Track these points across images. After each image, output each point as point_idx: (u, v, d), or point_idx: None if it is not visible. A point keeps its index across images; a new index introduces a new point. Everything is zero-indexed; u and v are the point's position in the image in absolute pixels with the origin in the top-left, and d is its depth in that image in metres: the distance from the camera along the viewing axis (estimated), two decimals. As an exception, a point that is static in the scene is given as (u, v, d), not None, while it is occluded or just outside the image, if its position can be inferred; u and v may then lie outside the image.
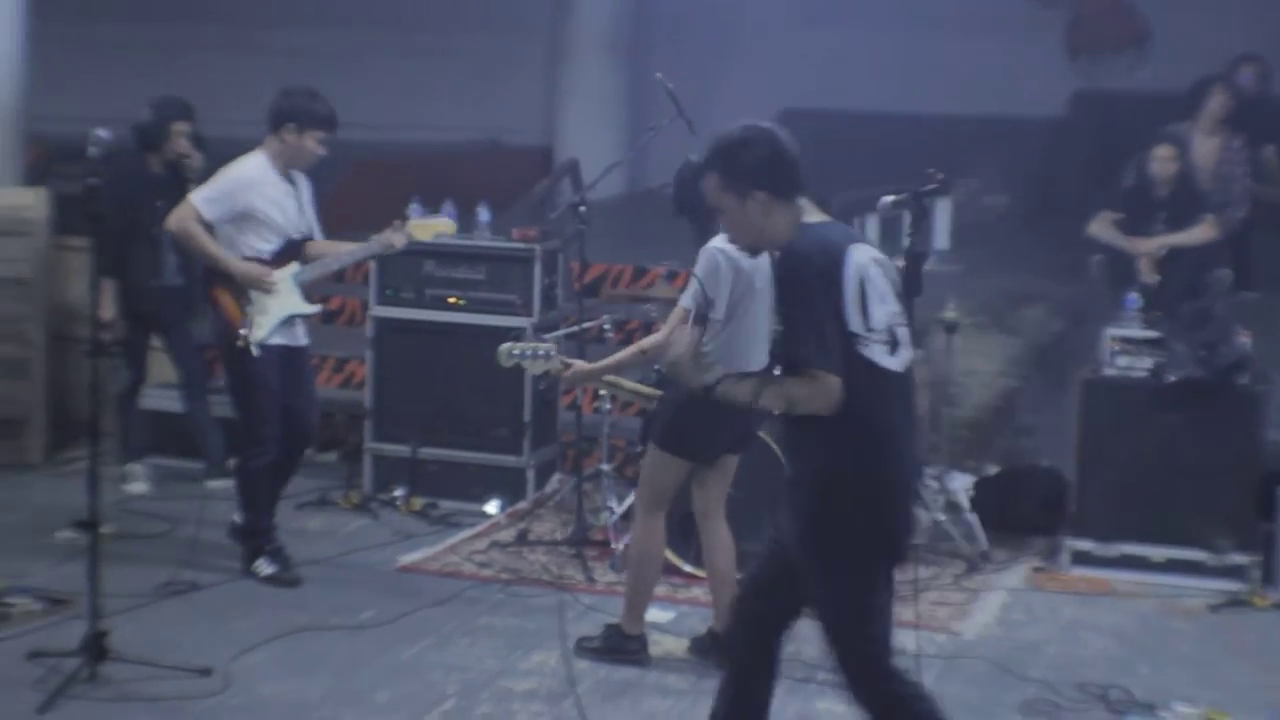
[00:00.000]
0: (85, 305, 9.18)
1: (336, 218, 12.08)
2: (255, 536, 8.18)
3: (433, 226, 8.20)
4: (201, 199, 7.90)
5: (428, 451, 9.71)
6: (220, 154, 8.53)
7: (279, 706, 6.60)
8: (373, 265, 9.73)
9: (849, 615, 4.98)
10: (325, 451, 10.48)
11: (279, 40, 17.00)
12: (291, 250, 8.04)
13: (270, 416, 7.99)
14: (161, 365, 10.03)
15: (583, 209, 8.73)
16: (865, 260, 4.91)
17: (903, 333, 4.97)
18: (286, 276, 8.00)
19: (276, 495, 8.29)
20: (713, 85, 14.87)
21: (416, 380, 9.77)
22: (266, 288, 7.91)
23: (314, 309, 8.13)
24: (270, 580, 8.06)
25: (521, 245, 9.73)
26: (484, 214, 9.92)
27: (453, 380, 9.63)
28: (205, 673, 6.74)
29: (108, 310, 9.34)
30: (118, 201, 9.08)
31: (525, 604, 7.99)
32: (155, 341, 9.88)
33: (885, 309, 4.89)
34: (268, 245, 8.00)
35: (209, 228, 7.94)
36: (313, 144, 7.98)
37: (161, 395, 10.08)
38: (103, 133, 6.96)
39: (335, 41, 17.43)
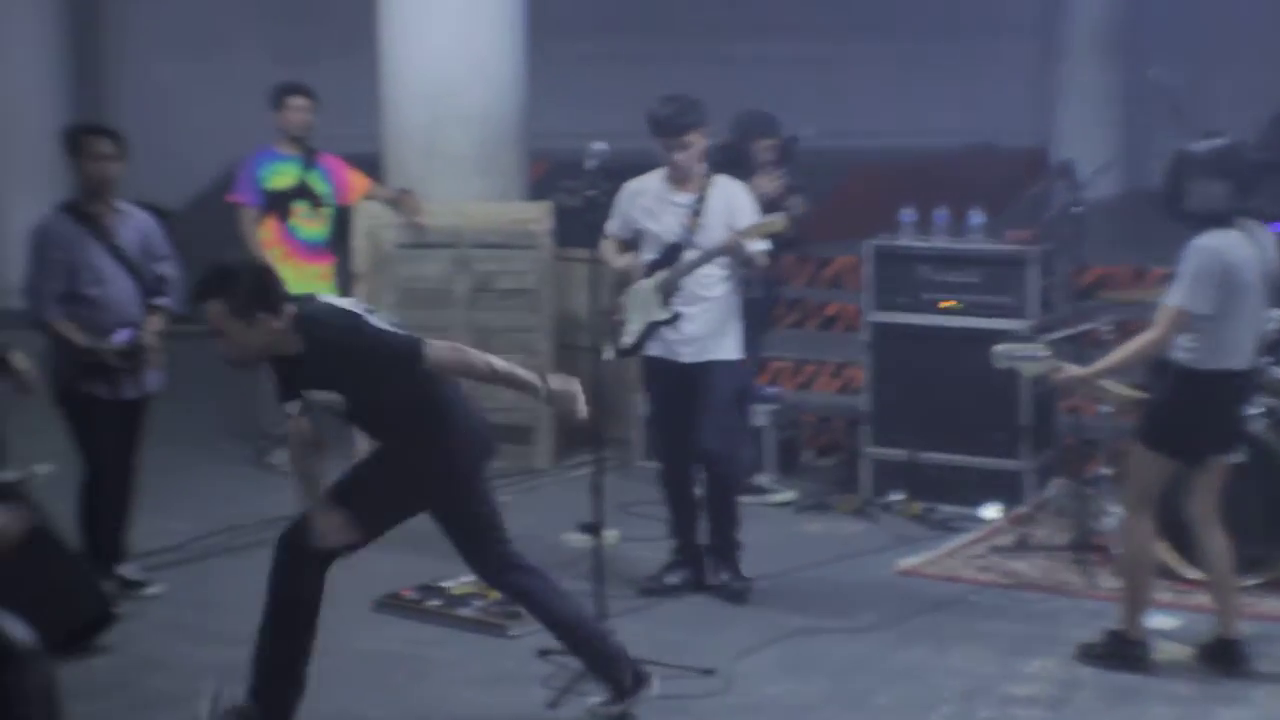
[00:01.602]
0: (588, 315, 9.47)
1: (835, 224, 12.22)
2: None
3: (765, 226, 8.04)
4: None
5: (925, 456, 9.66)
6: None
7: (779, 708, 6.66)
8: (868, 271, 9.73)
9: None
10: (823, 456, 10.54)
11: (771, 50, 17.18)
12: (669, 258, 7.94)
13: (653, 425, 7.98)
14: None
15: (1078, 210, 8.55)
16: None
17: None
18: (650, 285, 7.94)
19: (681, 511, 8.19)
20: (1208, 83, 14.47)
21: (913, 384, 9.72)
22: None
23: (667, 315, 7.88)
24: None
25: (1016, 248, 9.60)
26: (977, 217, 9.84)
27: (949, 384, 9.55)
28: (708, 673, 6.85)
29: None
30: None
31: (1026, 609, 7.87)
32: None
33: None
34: (647, 255, 7.99)
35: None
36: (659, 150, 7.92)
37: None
38: (599, 146, 7.16)
39: (822, 51, 17.52)
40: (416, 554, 7.92)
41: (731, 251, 7.79)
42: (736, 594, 7.96)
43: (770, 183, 9.42)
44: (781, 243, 8.96)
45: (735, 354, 8.02)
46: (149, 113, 15.99)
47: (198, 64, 17.58)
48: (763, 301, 9.56)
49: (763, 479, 9.74)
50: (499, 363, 6.02)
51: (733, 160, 9.12)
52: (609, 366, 7.71)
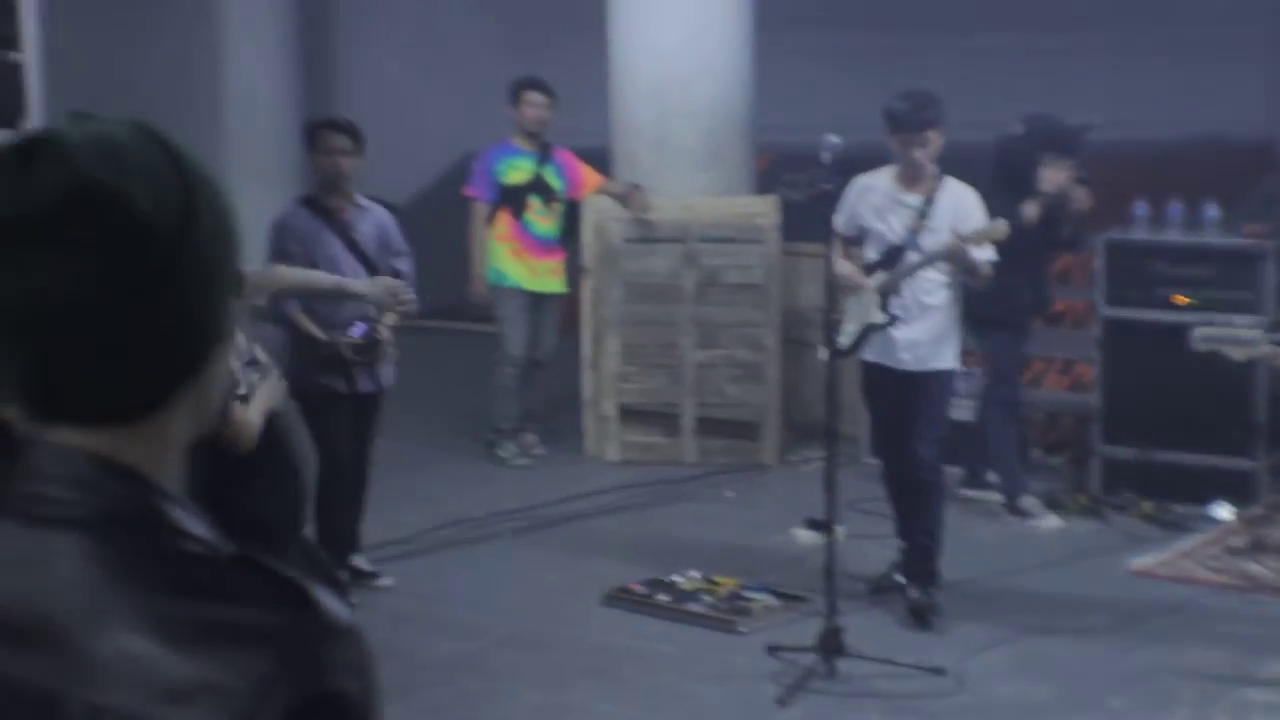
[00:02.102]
0: (815, 310, 9.45)
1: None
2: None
3: (988, 232, 7.77)
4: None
5: (1157, 454, 9.51)
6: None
7: (1011, 709, 6.63)
8: (1099, 266, 9.60)
9: None
10: (1052, 454, 10.42)
11: (997, 43, 17.01)
12: (891, 259, 7.73)
13: (873, 430, 7.82)
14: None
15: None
16: None
17: None
18: (870, 287, 7.73)
19: (901, 511, 8.00)
20: None
21: (1145, 382, 9.56)
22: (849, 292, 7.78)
23: (884, 319, 7.67)
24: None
25: (1253, 242, 9.42)
26: (1211, 211, 9.67)
27: (1182, 381, 9.36)
28: (939, 672, 6.81)
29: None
30: None
31: (1261, 612, 7.74)
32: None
33: None
34: (870, 254, 7.83)
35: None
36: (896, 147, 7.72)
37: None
38: (834, 139, 7.13)
39: (1058, 43, 17.31)
40: (643, 549, 8.01)
41: (953, 257, 7.57)
42: (920, 614, 7.60)
43: (1059, 174, 9.24)
44: (1063, 239, 8.86)
45: (953, 363, 7.85)
46: (375, 107, 16.24)
47: (424, 59, 17.81)
48: (1032, 301, 9.45)
49: (1027, 501, 9.54)
50: None
51: (1017, 157, 9.07)
52: (837, 363, 7.66)
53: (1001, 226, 7.68)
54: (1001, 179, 9.00)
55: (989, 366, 9.53)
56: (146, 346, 1.57)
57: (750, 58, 11.10)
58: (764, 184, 11.88)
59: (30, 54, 7.29)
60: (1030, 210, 8.92)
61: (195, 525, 1.60)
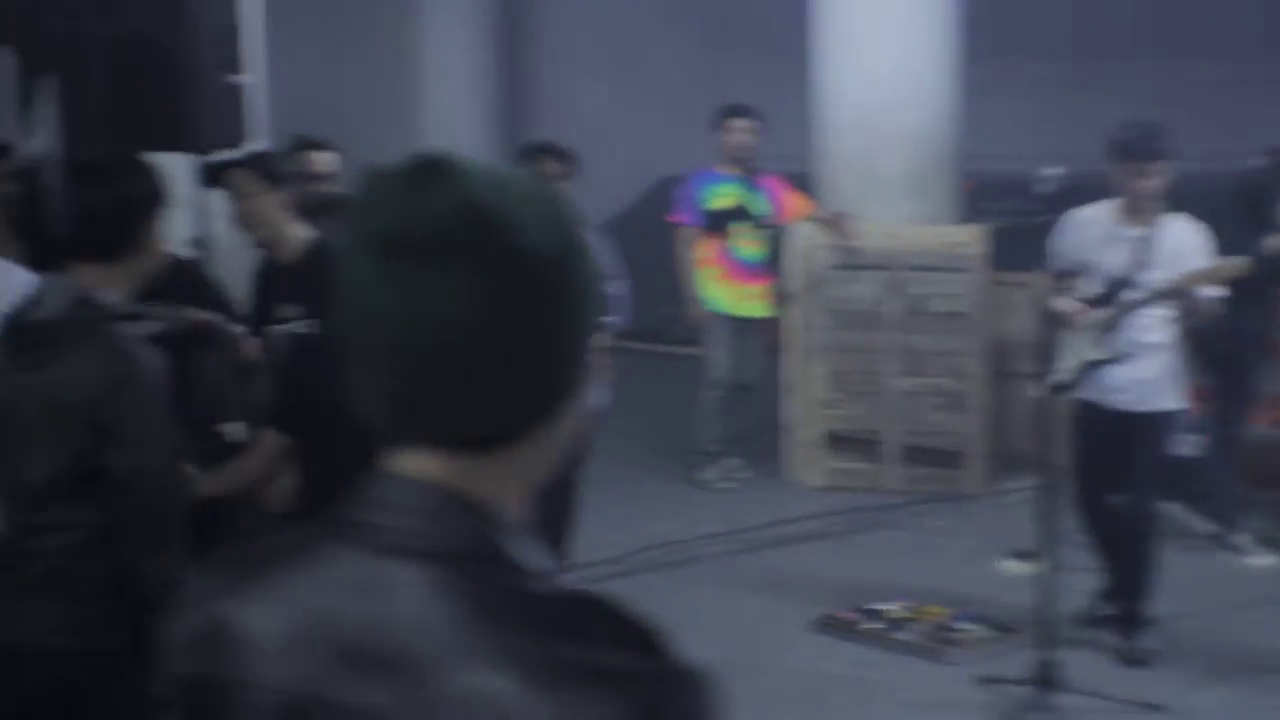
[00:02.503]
0: (1024, 341, 9.35)
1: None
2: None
3: (1223, 270, 7.37)
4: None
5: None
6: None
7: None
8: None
9: None
10: (1265, 490, 10.20)
11: (1206, 72, 16.77)
12: (1112, 295, 7.46)
13: (1077, 470, 7.69)
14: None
15: None
16: None
17: None
18: (1089, 322, 7.46)
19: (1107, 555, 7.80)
20: None
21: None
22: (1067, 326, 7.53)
23: (1103, 355, 7.39)
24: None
25: None
26: None
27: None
28: (1156, 709, 6.72)
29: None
30: None
31: None
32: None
33: None
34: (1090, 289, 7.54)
35: None
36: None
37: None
38: (1053, 170, 7.05)
39: (1260, 69, 17.04)
40: (848, 576, 7.97)
41: (1178, 295, 7.31)
42: (1129, 660, 7.42)
43: None
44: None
45: (1176, 404, 7.61)
46: (572, 131, 16.37)
47: (622, 83, 17.91)
48: (1256, 335, 9.27)
49: (1241, 538, 9.36)
50: None
51: (1257, 190, 8.92)
52: (1045, 393, 7.56)
53: (1240, 264, 7.46)
54: (1241, 212, 8.85)
55: (1214, 402, 9.37)
56: (516, 375, 1.59)
57: (956, 86, 11.04)
58: (965, 211, 11.79)
59: (255, 76, 7.43)
60: (1273, 244, 8.74)
61: (539, 562, 1.62)
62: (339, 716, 1.58)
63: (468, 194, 1.56)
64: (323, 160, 7.44)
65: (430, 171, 1.58)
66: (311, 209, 6.65)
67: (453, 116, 16.39)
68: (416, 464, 1.61)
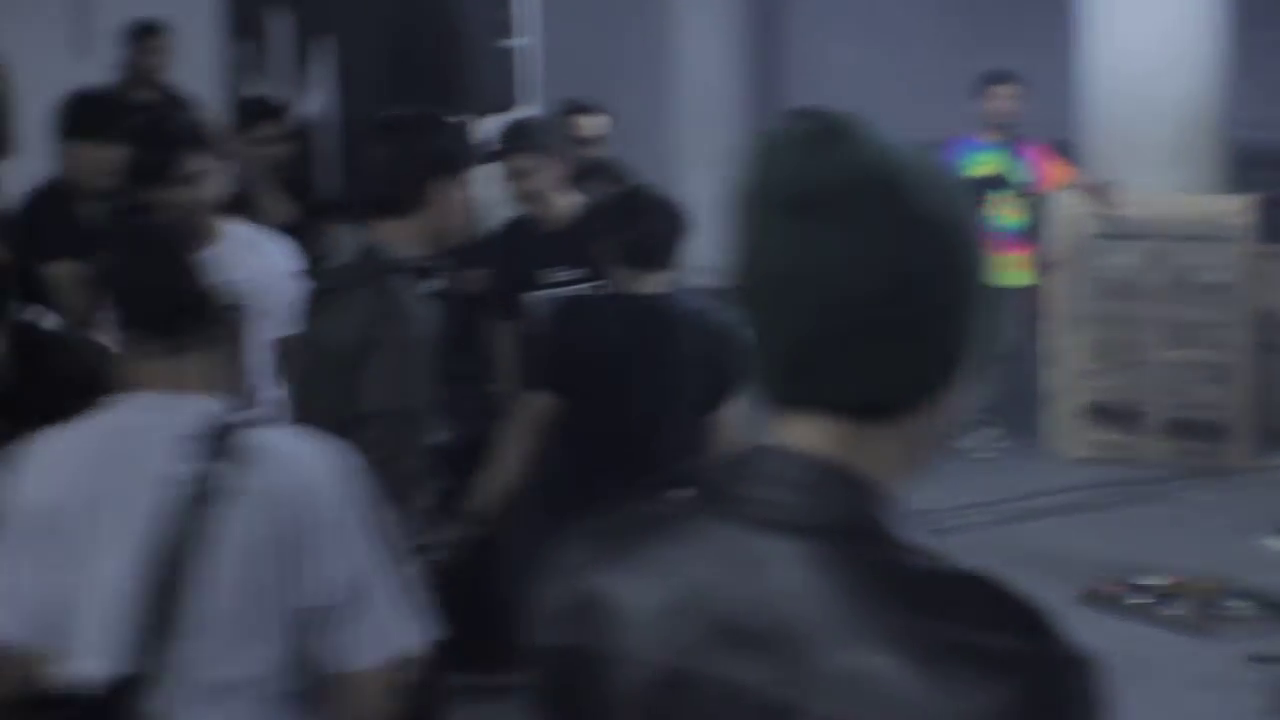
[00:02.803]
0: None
1: None
2: None
3: None
4: None
5: None
6: None
7: None
8: None
9: None
10: None
11: None
12: None
13: None
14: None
15: None
16: None
17: None
18: None
19: None
20: None
21: None
22: None
23: None
24: None
25: None
26: None
27: None
28: None
29: None
30: None
31: None
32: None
33: None
34: None
35: None
36: None
37: None
38: None
39: None
40: (1111, 549, 7.86)
41: None
42: None
43: None
44: None
45: None
46: (824, 96, 16.26)
47: (874, 49, 17.80)
48: None
49: None
50: None
51: None
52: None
53: None
54: None
55: None
56: (913, 340, 1.57)
57: (1225, 52, 10.80)
58: (1234, 181, 11.55)
59: (530, 39, 7.52)
60: None
61: (918, 539, 1.60)
62: (713, 691, 1.57)
63: (870, 157, 1.56)
64: (591, 124, 7.51)
65: (831, 133, 1.58)
66: (579, 174, 6.72)
67: (704, 80, 16.43)
68: (801, 434, 1.60)
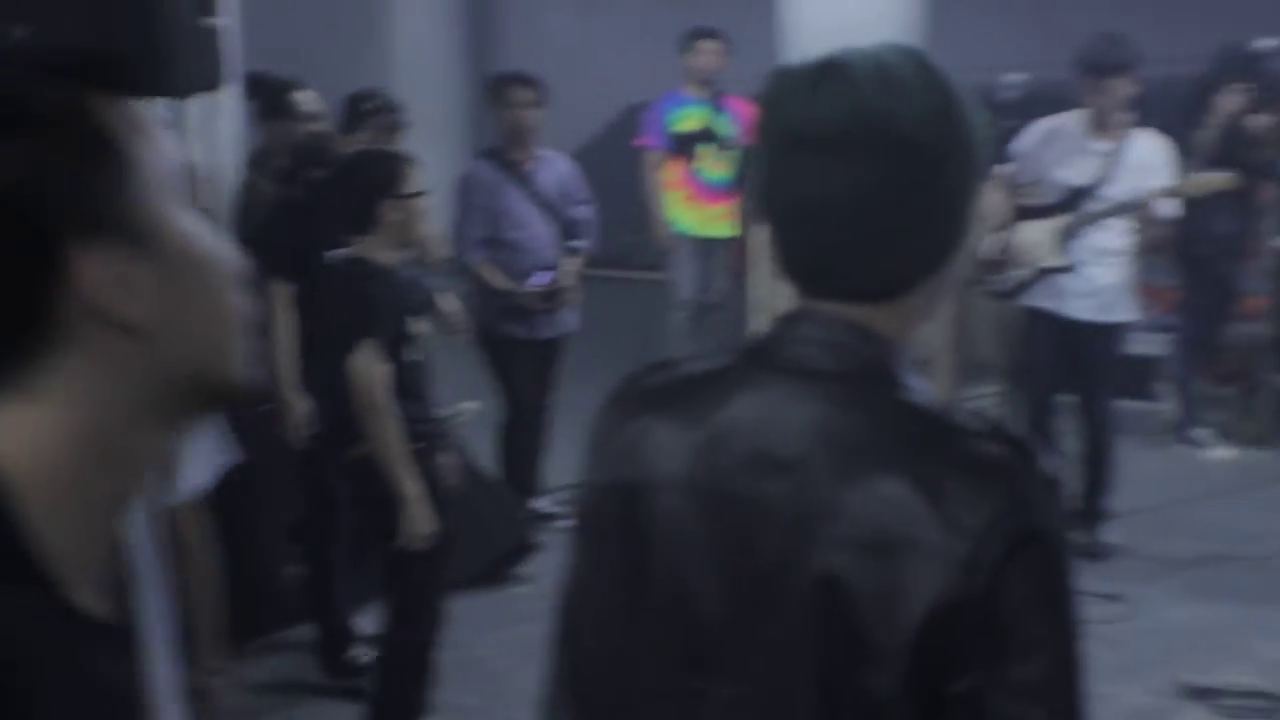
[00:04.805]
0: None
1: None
2: None
3: (1209, 182, 7.64)
4: None
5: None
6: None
7: (1187, 633, 6.71)
8: (1271, 196, 9.65)
9: None
10: (1221, 384, 10.46)
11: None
12: (1072, 204, 7.54)
13: (1028, 377, 7.81)
14: None
15: None
16: None
17: None
18: (1047, 230, 7.55)
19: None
20: None
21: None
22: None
23: (1060, 264, 7.52)
24: None
25: None
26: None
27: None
28: (1115, 598, 6.95)
29: None
30: None
31: None
32: None
33: None
34: (1046, 198, 7.64)
35: None
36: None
37: None
38: (1017, 77, 7.05)
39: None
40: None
41: (1140, 211, 7.40)
42: (1086, 555, 7.49)
43: (1233, 100, 9.33)
44: (1248, 165, 8.88)
45: (1131, 315, 7.72)
46: (540, 61, 16.46)
47: (588, 13, 18.02)
48: (1229, 236, 9.50)
49: (1199, 432, 9.68)
50: None
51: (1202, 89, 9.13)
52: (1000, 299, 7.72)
53: (1221, 179, 7.64)
54: (1188, 114, 9.09)
55: (1186, 302, 9.62)
56: (904, 241, 1.86)
57: (923, 8, 11.08)
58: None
59: (227, 18, 7.56)
60: (1203, 138, 8.97)
61: (925, 385, 1.88)
62: (745, 509, 1.85)
63: (856, 94, 1.83)
64: (307, 99, 7.49)
65: (824, 75, 1.86)
66: (302, 150, 6.87)
67: (423, 49, 16.48)
68: (830, 308, 1.89)
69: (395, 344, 5.31)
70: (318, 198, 6.35)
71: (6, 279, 1.29)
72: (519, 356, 8.17)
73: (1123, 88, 7.39)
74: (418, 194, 5.43)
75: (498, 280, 8.04)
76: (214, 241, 1.41)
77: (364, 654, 6.36)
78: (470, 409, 7.82)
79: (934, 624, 1.71)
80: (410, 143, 7.20)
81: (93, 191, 1.29)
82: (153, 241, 1.35)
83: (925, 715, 1.74)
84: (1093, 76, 7.43)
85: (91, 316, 1.31)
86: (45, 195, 1.29)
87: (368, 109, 7.43)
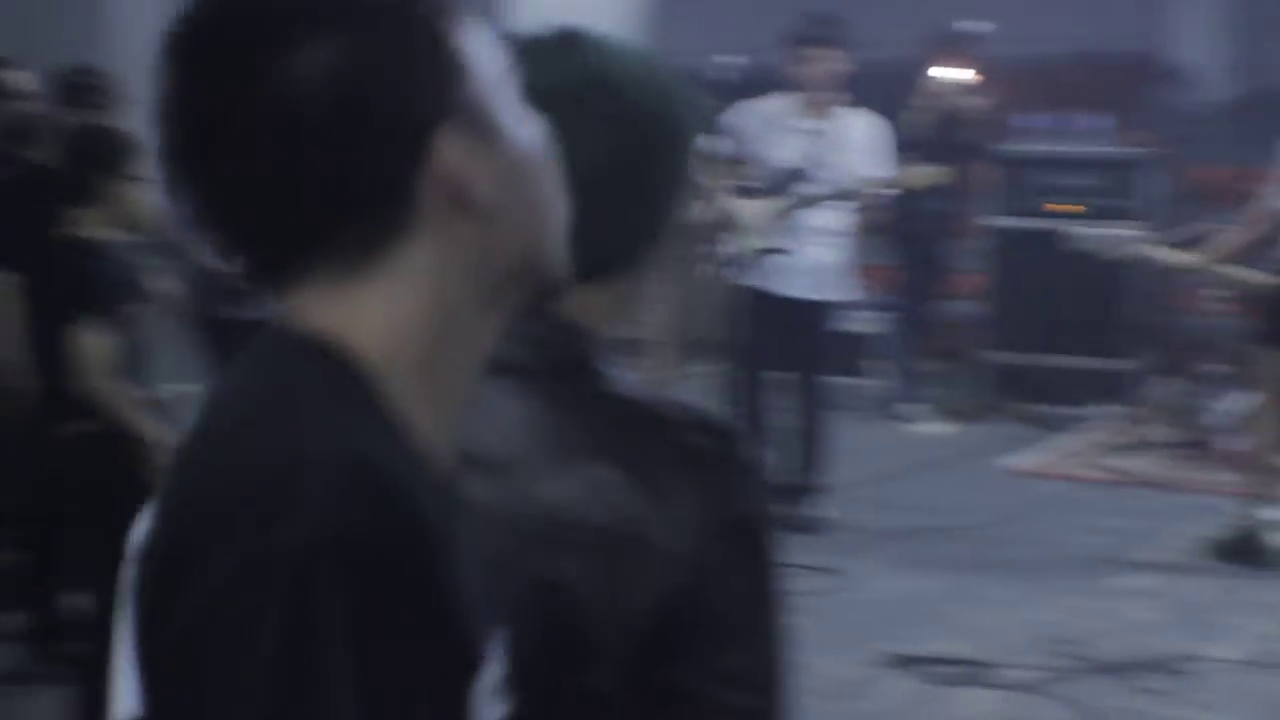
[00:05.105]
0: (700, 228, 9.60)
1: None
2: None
3: (926, 175, 7.81)
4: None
5: (1039, 358, 9.85)
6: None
7: (898, 603, 6.83)
8: (989, 177, 9.91)
9: None
10: (937, 360, 10.70)
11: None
12: (785, 185, 7.60)
13: (743, 356, 7.88)
14: None
15: (1191, 114, 8.64)
16: None
17: None
18: (760, 210, 7.56)
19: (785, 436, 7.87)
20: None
21: (1030, 288, 9.89)
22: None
23: (774, 244, 7.55)
24: None
25: (1132, 151, 9.75)
26: (1094, 122, 9.97)
27: (1064, 287, 9.70)
28: (828, 571, 7.01)
29: None
30: None
31: (1138, 505, 8.07)
32: None
33: None
34: (759, 179, 7.67)
35: None
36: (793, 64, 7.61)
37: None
38: (736, 59, 7.11)
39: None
40: None
41: (856, 197, 7.49)
42: (802, 527, 7.49)
43: (940, 82, 9.58)
44: (959, 146, 9.08)
45: (845, 294, 7.81)
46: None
47: None
48: (943, 215, 9.71)
49: (911, 407, 9.92)
50: None
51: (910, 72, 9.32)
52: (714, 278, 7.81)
53: (936, 174, 7.78)
54: (898, 95, 9.28)
55: (901, 280, 9.81)
56: (625, 216, 1.82)
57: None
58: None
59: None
60: (911, 119, 9.16)
61: (624, 375, 1.83)
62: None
63: (595, 63, 1.81)
64: (17, 78, 7.28)
65: (566, 42, 1.84)
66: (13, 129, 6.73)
67: (132, 29, 16.13)
68: (576, 295, 1.81)
69: (115, 322, 5.26)
70: (35, 174, 6.23)
71: (377, 158, 1.35)
72: (236, 338, 8.03)
73: (828, 62, 7.45)
74: (139, 173, 5.37)
75: (217, 262, 7.89)
76: (534, 136, 1.49)
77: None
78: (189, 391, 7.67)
79: (653, 619, 1.72)
80: (131, 120, 7.07)
81: (452, 77, 1.38)
82: (490, 129, 1.42)
83: (647, 710, 1.75)
84: (796, 51, 7.49)
85: (446, 198, 1.38)
86: (414, 81, 1.36)
87: (84, 84, 7.26)
